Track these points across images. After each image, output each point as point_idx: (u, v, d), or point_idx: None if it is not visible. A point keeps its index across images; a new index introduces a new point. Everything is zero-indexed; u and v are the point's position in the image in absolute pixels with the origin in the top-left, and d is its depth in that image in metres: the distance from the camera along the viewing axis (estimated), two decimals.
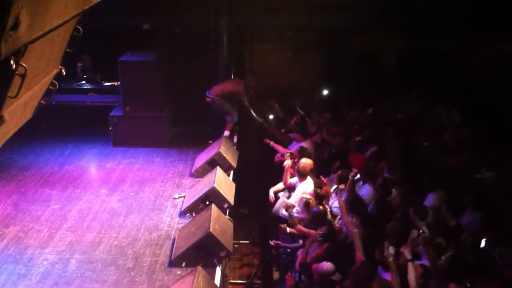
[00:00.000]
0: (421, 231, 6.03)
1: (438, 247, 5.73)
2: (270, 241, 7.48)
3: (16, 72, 3.46)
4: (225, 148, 8.89)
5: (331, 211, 7.43)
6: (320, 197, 7.30)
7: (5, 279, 6.02)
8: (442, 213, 6.76)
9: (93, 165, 9.50)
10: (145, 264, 6.39)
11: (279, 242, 7.38)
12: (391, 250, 5.54)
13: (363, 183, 7.78)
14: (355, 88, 11.30)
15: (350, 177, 7.32)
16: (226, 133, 9.72)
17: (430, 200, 6.98)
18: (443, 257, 5.63)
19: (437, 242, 5.80)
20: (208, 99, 9.63)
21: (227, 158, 8.70)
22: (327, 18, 10.89)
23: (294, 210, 7.39)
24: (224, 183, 7.77)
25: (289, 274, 6.29)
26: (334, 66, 11.57)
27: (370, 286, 5.10)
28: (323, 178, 7.79)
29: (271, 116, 10.65)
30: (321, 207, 7.04)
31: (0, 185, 8.37)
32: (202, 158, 9.02)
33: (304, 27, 11.19)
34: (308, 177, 7.88)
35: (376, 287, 5.08)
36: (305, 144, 9.04)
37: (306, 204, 7.08)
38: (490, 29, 10.52)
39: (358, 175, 7.54)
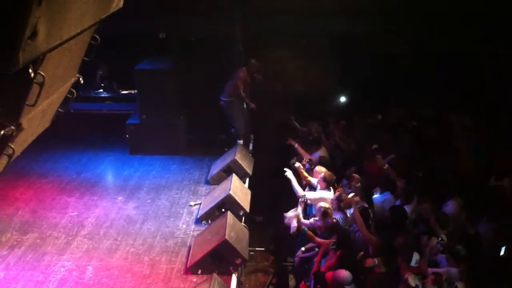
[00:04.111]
0: (439, 238, 5.97)
1: (457, 254, 5.68)
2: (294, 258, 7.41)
3: (34, 80, 3.51)
4: (240, 156, 8.91)
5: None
6: (340, 200, 7.26)
7: (22, 286, 6.08)
8: (461, 221, 6.69)
9: (110, 172, 9.58)
10: (161, 271, 6.42)
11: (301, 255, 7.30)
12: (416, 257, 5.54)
13: (381, 192, 7.70)
14: (370, 93, 11.22)
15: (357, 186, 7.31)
16: (240, 141, 9.76)
17: (449, 207, 6.89)
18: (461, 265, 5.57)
19: (457, 249, 5.74)
20: (221, 102, 9.74)
21: (242, 165, 8.72)
22: (340, 23, 10.89)
23: (309, 221, 7.36)
24: (239, 190, 7.78)
25: (303, 282, 6.26)
26: (348, 71, 11.52)
27: None
28: (339, 189, 7.75)
29: None
30: (334, 219, 7.00)
31: (19, 192, 8.46)
32: (217, 166, 9.04)
33: (318, 33, 11.18)
34: (331, 188, 7.85)
35: None
36: (320, 152, 9.04)
37: (324, 214, 7.03)
38: (503, 30, 10.40)
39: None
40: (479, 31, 10.60)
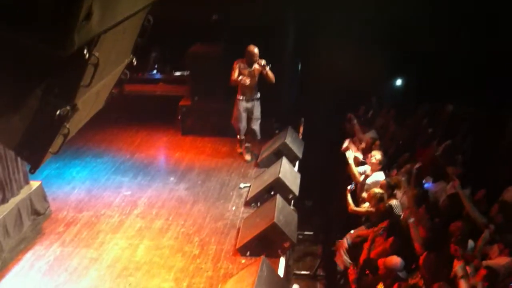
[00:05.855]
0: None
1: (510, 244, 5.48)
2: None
3: (89, 62, 3.58)
4: (290, 139, 8.88)
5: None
6: (392, 187, 7.14)
7: (77, 262, 6.29)
8: None
9: (162, 153, 9.74)
10: (210, 252, 6.51)
11: None
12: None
13: (434, 180, 7.50)
14: (424, 83, 10.79)
15: (414, 170, 7.10)
16: (247, 144, 9.30)
17: (510, 193, 6.62)
18: None
19: (510, 239, 5.53)
20: None
21: (292, 148, 8.68)
22: (394, 11, 10.55)
23: (365, 209, 7.29)
24: (289, 173, 7.75)
25: (351, 267, 6.20)
26: (402, 61, 11.14)
27: (440, 276, 4.96)
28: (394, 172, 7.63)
29: None
30: (386, 204, 6.88)
31: (75, 171, 8.73)
32: (267, 149, 9.03)
33: (370, 21, 10.87)
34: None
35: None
36: (371, 134, 8.94)
37: (380, 199, 6.94)
38: None
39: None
40: None
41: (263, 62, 8.44)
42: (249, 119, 8.93)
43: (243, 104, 8.78)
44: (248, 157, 9.19)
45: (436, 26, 10.66)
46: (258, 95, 8.86)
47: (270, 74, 8.49)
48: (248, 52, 8.53)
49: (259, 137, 9.14)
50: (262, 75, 8.58)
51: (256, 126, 9.00)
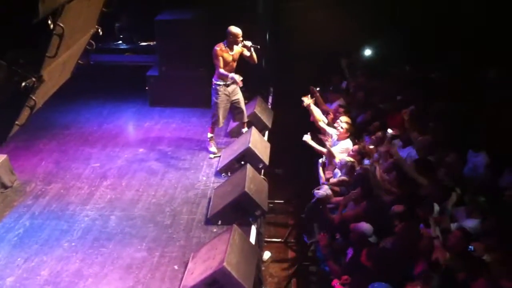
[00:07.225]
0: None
1: (480, 207, 5.63)
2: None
3: (54, 32, 3.51)
4: (260, 109, 8.90)
5: None
6: (362, 154, 7.24)
7: (48, 234, 6.27)
8: (486, 174, 6.58)
9: (131, 124, 9.65)
10: (182, 222, 6.55)
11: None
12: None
13: (403, 146, 7.61)
14: (404, 47, 10.64)
15: (388, 136, 7.22)
16: (211, 135, 8.37)
17: (480, 159, 6.77)
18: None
19: (479, 200, 5.69)
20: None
21: (262, 118, 8.72)
22: None
23: (337, 179, 7.33)
24: (259, 143, 7.79)
25: (322, 234, 6.31)
26: (381, 24, 10.92)
27: (415, 248, 5.10)
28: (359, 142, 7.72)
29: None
30: (360, 168, 6.98)
31: (42, 143, 8.61)
32: None
33: None
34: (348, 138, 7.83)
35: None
36: (338, 102, 9.00)
37: (351, 168, 7.03)
38: None
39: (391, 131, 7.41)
40: None
41: (249, 43, 7.63)
42: (231, 104, 8.02)
43: (222, 90, 7.80)
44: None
45: None
46: None
47: (254, 55, 7.75)
48: (231, 34, 7.58)
49: (246, 119, 8.35)
50: (242, 56, 7.77)
51: (244, 107, 8.20)
